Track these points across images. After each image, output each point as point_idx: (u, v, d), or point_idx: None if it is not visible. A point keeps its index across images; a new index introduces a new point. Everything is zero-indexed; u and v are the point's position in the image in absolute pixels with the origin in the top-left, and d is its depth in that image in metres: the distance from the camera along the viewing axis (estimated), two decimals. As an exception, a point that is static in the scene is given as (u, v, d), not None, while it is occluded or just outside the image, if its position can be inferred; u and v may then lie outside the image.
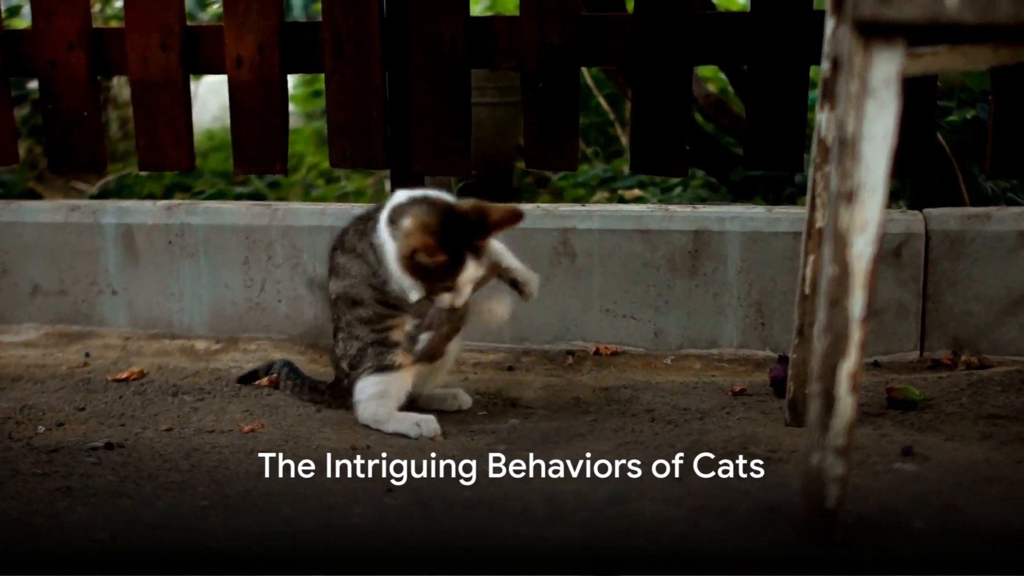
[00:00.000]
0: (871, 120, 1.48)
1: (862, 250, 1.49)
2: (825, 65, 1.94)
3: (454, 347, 2.30)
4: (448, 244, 2.04)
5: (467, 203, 2.11)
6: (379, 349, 2.23)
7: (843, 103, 1.50)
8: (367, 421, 2.24)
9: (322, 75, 2.91)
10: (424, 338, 2.15)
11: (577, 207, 2.80)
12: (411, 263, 2.07)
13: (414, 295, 2.14)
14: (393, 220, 2.14)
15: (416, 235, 2.05)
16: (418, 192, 2.18)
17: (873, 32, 1.46)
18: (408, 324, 2.18)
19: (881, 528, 1.60)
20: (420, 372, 2.26)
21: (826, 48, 1.93)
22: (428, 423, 2.19)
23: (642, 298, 2.71)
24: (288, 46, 2.89)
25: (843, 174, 1.49)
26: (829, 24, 1.92)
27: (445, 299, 2.11)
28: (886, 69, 1.47)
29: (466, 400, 2.38)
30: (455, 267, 2.06)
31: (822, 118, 1.97)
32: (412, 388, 2.26)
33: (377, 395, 2.23)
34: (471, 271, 2.08)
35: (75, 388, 2.55)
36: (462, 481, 1.88)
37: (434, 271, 2.06)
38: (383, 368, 2.22)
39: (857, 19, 1.46)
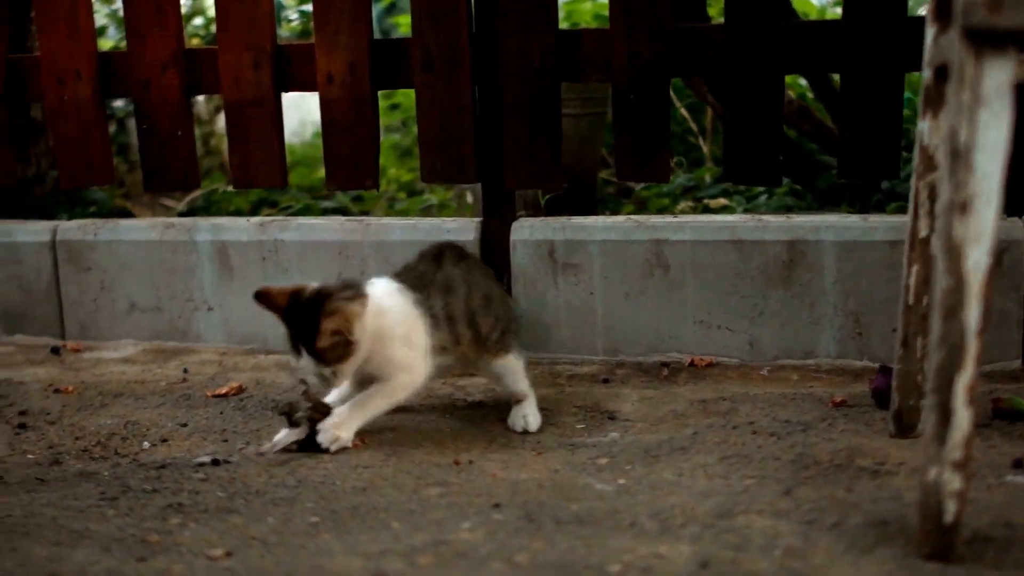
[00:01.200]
0: (984, 129, 1.46)
1: (977, 261, 1.47)
2: (927, 73, 1.92)
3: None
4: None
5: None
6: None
7: (954, 113, 1.48)
8: None
9: (399, 89, 2.93)
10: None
11: (669, 218, 2.80)
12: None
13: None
14: None
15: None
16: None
17: (984, 40, 1.45)
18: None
19: (999, 543, 1.57)
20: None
21: (927, 55, 1.91)
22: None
23: (736, 309, 2.70)
24: (378, 63, 2.91)
25: (956, 185, 1.47)
26: (930, 31, 1.89)
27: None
28: (998, 78, 1.46)
29: (534, 423, 2.35)
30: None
31: (924, 126, 1.95)
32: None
33: None
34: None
35: (176, 404, 2.59)
36: (567, 496, 1.88)
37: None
38: None
39: (967, 27, 1.44)
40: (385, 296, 2.26)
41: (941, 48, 1.85)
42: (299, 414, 2.21)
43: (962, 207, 1.47)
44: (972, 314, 1.49)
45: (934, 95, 1.92)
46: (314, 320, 2.12)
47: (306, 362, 2.17)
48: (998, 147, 1.46)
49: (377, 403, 2.25)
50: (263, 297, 2.22)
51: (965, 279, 1.48)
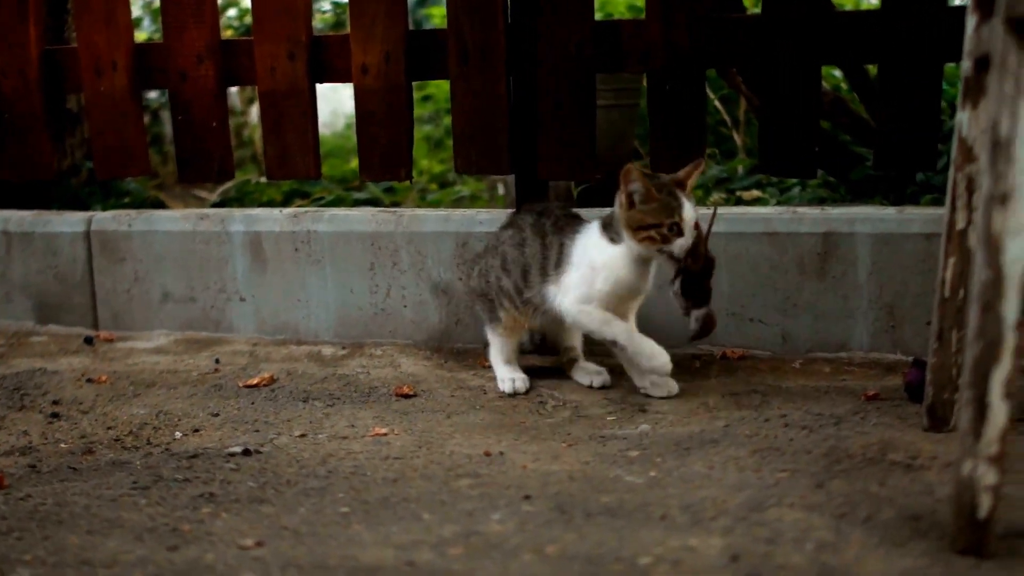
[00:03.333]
0: (1026, 121, 1.44)
1: (1017, 254, 1.46)
2: (966, 63, 1.90)
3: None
4: (659, 190, 2.36)
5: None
6: (489, 308, 2.64)
7: (996, 103, 1.46)
8: (490, 357, 2.69)
9: (431, 80, 2.92)
10: (696, 316, 2.39)
11: (703, 210, 2.78)
12: (636, 212, 2.36)
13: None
14: (606, 225, 2.46)
15: (634, 182, 2.35)
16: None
17: (1027, 30, 1.43)
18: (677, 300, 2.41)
19: (1035, 538, 1.56)
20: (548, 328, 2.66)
21: (967, 46, 1.89)
22: (515, 382, 2.56)
23: (769, 301, 2.68)
24: (413, 54, 2.91)
25: (997, 176, 1.46)
26: (971, 21, 1.87)
27: (678, 244, 2.35)
28: (1040, 68, 1.44)
29: (606, 379, 2.58)
30: (674, 204, 2.34)
31: (963, 117, 1.92)
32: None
33: (493, 344, 2.65)
34: (689, 209, 2.35)
35: (207, 394, 2.60)
36: (598, 488, 1.87)
37: (658, 208, 2.34)
38: (493, 329, 2.65)
39: (1011, 17, 1.42)
40: None
41: (982, 38, 1.83)
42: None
43: (1002, 199, 1.46)
44: (1010, 307, 1.47)
45: (974, 86, 1.90)
46: None
47: None
48: (1040, 139, 1.44)
49: None
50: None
51: (1004, 272, 1.46)
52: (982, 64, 1.85)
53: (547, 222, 2.55)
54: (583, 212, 2.63)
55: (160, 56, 3.13)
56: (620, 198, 2.38)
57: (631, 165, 2.33)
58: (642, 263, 2.41)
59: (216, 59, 3.07)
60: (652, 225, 2.34)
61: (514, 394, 2.53)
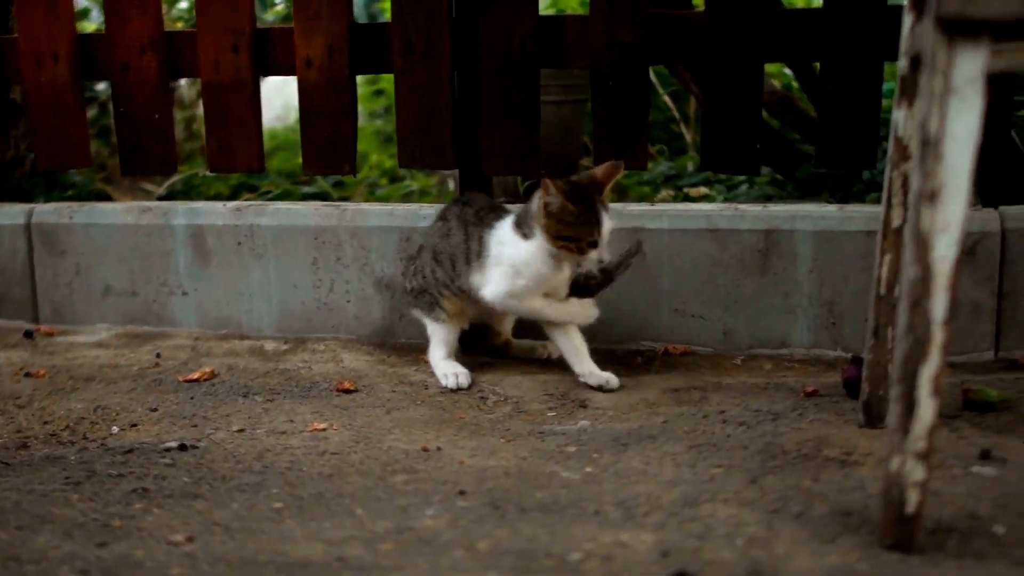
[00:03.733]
0: (955, 119, 1.45)
1: (944, 252, 1.46)
2: (903, 62, 1.91)
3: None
4: (577, 201, 2.35)
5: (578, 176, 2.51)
6: (431, 301, 2.63)
7: (926, 102, 1.47)
8: (428, 358, 2.66)
9: (378, 74, 2.92)
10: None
11: (646, 206, 2.79)
12: (553, 223, 2.37)
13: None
14: (519, 222, 2.47)
15: (552, 196, 2.35)
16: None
17: (957, 29, 1.44)
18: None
19: (962, 533, 1.57)
20: (480, 314, 2.66)
21: (904, 45, 1.90)
22: (457, 376, 2.54)
23: (711, 298, 2.69)
24: (357, 47, 2.90)
25: (926, 174, 1.46)
26: (907, 20, 1.88)
27: (592, 257, 2.39)
28: (970, 67, 1.45)
29: (555, 350, 2.63)
30: (592, 219, 2.36)
31: (899, 116, 1.94)
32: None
33: (433, 338, 2.65)
34: (607, 223, 2.37)
35: (147, 388, 2.57)
36: (533, 484, 1.87)
37: (575, 223, 2.36)
38: (433, 319, 2.64)
39: (941, 16, 1.43)
40: None
41: (917, 37, 1.84)
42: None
43: (931, 197, 1.46)
44: (938, 304, 1.48)
45: (910, 84, 1.91)
46: None
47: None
48: (968, 137, 1.45)
49: None
50: None
51: (932, 269, 1.47)
52: (917, 63, 1.86)
53: (470, 212, 2.58)
54: (510, 205, 2.64)
55: (103, 47, 3.10)
56: (539, 203, 2.39)
57: (548, 180, 2.34)
58: (557, 255, 2.44)
59: (159, 51, 3.04)
60: (569, 238, 2.38)
61: (457, 389, 2.52)
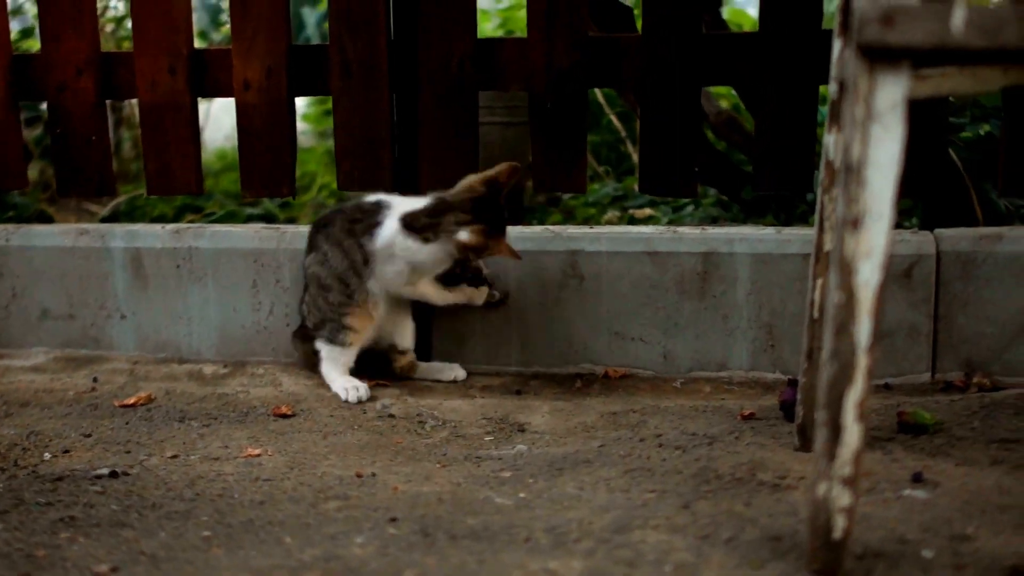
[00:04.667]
0: (877, 145, 1.45)
1: (868, 277, 1.47)
2: (832, 87, 1.92)
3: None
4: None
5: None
6: (335, 327, 2.67)
7: (848, 128, 1.48)
8: (323, 374, 2.72)
9: (317, 96, 2.91)
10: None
11: (585, 229, 2.79)
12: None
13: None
14: (414, 227, 2.58)
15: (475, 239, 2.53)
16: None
17: (878, 56, 1.44)
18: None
19: (890, 558, 1.57)
20: (382, 327, 2.73)
21: (833, 70, 1.91)
22: (357, 390, 2.61)
23: (651, 320, 2.69)
24: (296, 69, 2.88)
25: (849, 200, 1.47)
26: (836, 45, 1.89)
27: (462, 234, 2.52)
28: (892, 93, 1.45)
29: (461, 373, 2.78)
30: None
31: (829, 140, 1.94)
32: (377, 339, 2.76)
33: (332, 359, 2.69)
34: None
35: (82, 414, 2.54)
36: (466, 510, 1.85)
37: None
38: (338, 342, 2.68)
39: (861, 43, 1.44)
40: None
41: (845, 62, 1.85)
42: None
43: (854, 222, 1.47)
44: (863, 330, 1.48)
45: (839, 109, 1.92)
46: None
47: None
48: (891, 163, 1.46)
49: None
50: None
51: (856, 294, 1.48)
52: (845, 88, 1.87)
53: (334, 229, 2.66)
54: (367, 200, 2.71)
55: (39, 67, 3.07)
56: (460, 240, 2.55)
57: (472, 237, 2.51)
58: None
59: (95, 71, 3.01)
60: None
61: (359, 401, 2.59)
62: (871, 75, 1.45)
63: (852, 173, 1.47)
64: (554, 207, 4.18)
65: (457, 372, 2.77)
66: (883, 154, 1.46)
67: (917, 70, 1.48)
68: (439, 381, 2.76)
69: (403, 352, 2.77)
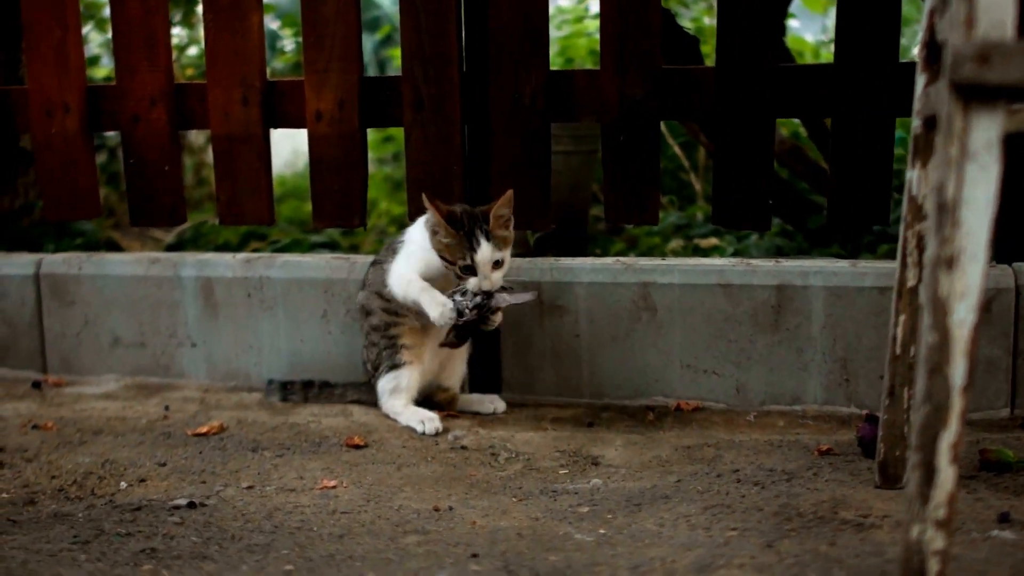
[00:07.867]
0: (972, 184, 1.44)
1: (963, 317, 1.45)
2: (916, 122, 1.91)
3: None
4: (460, 226, 2.49)
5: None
6: (389, 352, 2.67)
7: (942, 167, 1.46)
8: (388, 413, 2.70)
9: (389, 127, 2.92)
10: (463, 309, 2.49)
11: (657, 261, 2.77)
12: (436, 240, 2.53)
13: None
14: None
15: (433, 217, 2.51)
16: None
17: (973, 95, 1.42)
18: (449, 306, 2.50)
19: (983, 602, 1.55)
20: (429, 368, 2.73)
21: (917, 104, 1.89)
22: (432, 421, 2.60)
23: (724, 353, 2.67)
24: (367, 101, 2.90)
25: (943, 240, 1.45)
26: (920, 80, 1.88)
27: (472, 283, 2.49)
28: (987, 132, 1.43)
29: (501, 405, 2.77)
30: (469, 245, 2.48)
31: (913, 175, 1.93)
32: (425, 379, 2.74)
33: (392, 390, 2.68)
34: (486, 250, 2.48)
35: (155, 442, 2.56)
36: (547, 546, 1.84)
37: (454, 246, 2.50)
38: (395, 366, 2.67)
39: (956, 81, 1.42)
40: None
41: (930, 98, 1.83)
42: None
43: (948, 263, 1.45)
44: (957, 371, 1.46)
45: (923, 144, 1.90)
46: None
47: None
48: (986, 203, 1.44)
49: None
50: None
51: (950, 335, 1.46)
52: (931, 123, 1.85)
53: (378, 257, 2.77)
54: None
55: (113, 98, 3.10)
56: (429, 219, 2.56)
57: (431, 202, 2.49)
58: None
59: (169, 103, 3.04)
60: (448, 259, 2.53)
61: (436, 433, 2.59)
62: (966, 114, 1.44)
63: (946, 213, 1.45)
64: (617, 235, 4.17)
65: (497, 404, 2.77)
66: (978, 193, 1.44)
67: (1011, 104, 1.46)
68: (478, 413, 2.77)
69: (446, 388, 2.79)
